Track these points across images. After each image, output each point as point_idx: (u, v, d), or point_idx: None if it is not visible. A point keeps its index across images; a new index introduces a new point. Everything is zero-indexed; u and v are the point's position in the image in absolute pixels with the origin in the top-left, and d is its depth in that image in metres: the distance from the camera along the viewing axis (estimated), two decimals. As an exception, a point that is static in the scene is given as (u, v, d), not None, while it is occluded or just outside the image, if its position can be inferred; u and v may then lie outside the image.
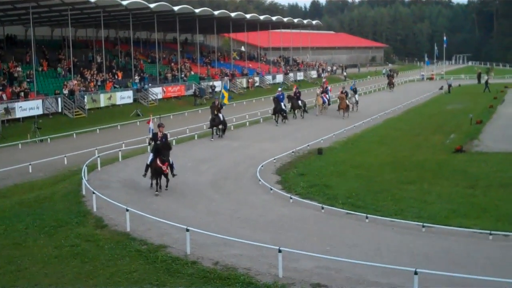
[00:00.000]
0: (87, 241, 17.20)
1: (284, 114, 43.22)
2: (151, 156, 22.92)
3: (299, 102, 46.65)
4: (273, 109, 43.12)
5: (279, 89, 46.88)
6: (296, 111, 46.67)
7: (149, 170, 23.02)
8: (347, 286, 13.55)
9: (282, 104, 42.88)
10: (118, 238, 17.46)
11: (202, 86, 62.18)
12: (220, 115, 36.23)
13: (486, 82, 71.11)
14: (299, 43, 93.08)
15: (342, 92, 47.55)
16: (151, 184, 23.17)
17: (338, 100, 48.23)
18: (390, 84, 75.09)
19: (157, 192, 22.54)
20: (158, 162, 22.16)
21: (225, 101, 37.26)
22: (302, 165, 28.07)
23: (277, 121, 42.74)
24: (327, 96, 50.68)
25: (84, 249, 16.51)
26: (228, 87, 40.49)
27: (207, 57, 77.26)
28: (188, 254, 15.90)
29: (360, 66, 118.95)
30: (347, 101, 47.10)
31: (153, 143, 23.39)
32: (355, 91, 52.42)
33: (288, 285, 13.67)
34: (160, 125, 23.41)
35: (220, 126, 36.69)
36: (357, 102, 51.53)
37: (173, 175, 23.13)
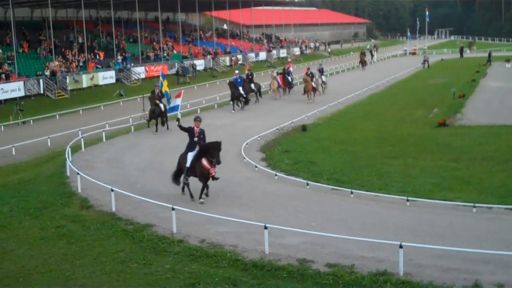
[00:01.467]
0: (73, 222, 17.17)
1: (244, 100, 39.40)
2: (190, 157, 18.99)
3: (252, 85, 42.06)
4: (231, 94, 38.76)
5: (236, 71, 41.63)
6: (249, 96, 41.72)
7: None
8: (333, 261, 13.64)
9: (240, 88, 38.94)
10: (104, 218, 17.44)
11: (185, 64, 61.90)
12: (161, 105, 31.95)
13: (489, 55, 70.71)
14: (281, 20, 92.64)
15: (307, 74, 42.93)
16: (183, 189, 19.58)
17: (303, 83, 43.62)
18: (362, 63, 70.53)
19: (202, 200, 18.61)
20: (205, 163, 18.45)
21: (165, 88, 32.27)
22: (287, 142, 28.11)
23: (233, 108, 38.74)
24: (289, 78, 46.82)
25: (70, 230, 16.48)
26: (164, 75, 34.71)
27: (189, 36, 76.81)
28: (174, 232, 15.92)
29: (343, 42, 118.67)
30: (313, 84, 42.61)
31: (188, 140, 19.34)
32: (321, 71, 48.54)
33: (275, 261, 13.73)
34: (196, 119, 19.69)
35: (159, 119, 31.95)
36: (324, 83, 47.79)
37: (215, 179, 19.08)
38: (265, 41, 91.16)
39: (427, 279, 12.49)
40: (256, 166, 23.06)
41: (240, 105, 39.30)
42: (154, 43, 66.82)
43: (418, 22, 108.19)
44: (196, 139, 19.10)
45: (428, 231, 15.43)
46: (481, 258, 13.29)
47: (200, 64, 65.83)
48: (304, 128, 30.98)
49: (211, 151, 18.40)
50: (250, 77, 42.60)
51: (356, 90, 46.73)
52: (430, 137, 28.04)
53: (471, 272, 12.75)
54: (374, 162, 23.54)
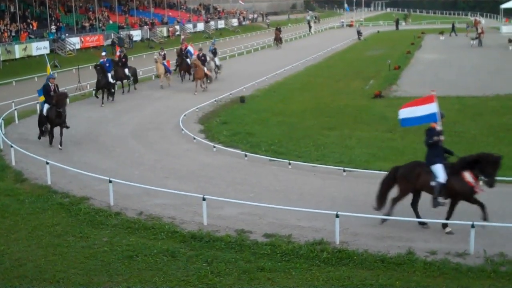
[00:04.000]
0: (7, 196, 16.84)
1: (112, 90, 32.13)
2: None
3: (126, 70, 34.46)
4: (96, 82, 31.60)
5: (103, 53, 33.92)
6: (123, 82, 35.10)
7: None
8: (271, 231, 13.78)
9: (109, 75, 31.50)
10: (39, 191, 17.17)
11: (121, 35, 60.91)
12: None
13: (453, 26, 71.47)
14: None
15: (198, 56, 35.49)
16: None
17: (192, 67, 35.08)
18: (277, 40, 64.13)
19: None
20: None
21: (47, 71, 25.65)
22: (225, 114, 28.09)
23: (102, 101, 31.07)
24: (188, 61, 37.42)
25: (3, 204, 16.15)
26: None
27: (126, 6, 75.49)
28: (111, 205, 15.81)
29: (289, 13, 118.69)
30: (204, 68, 34.74)
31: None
32: (214, 53, 39.95)
33: (213, 232, 13.80)
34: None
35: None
36: (218, 67, 39.64)
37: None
38: (203, 12, 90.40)
39: (362, 247, 12.79)
40: (194, 138, 22.99)
41: (111, 97, 32.04)
42: (90, 13, 65.44)
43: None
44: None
45: (364, 200, 15.72)
46: (415, 226, 13.69)
47: (137, 34, 64.79)
48: (242, 99, 30.99)
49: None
50: (123, 59, 34.66)
51: (294, 62, 46.87)
52: (366, 108, 28.45)
53: (404, 240, 13.12)
54: (311, 133, 23.76)
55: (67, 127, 22.40)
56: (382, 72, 40.54)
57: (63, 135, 22.21)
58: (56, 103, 21.89)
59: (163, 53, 38.19)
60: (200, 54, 35.93)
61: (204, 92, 33.76)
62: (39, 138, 22.88)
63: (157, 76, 37.85)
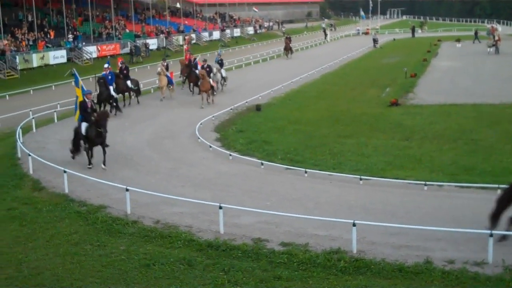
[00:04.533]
0: (25, 204, 16.95)
1: (115, 104, 30.34)
2: None
3: (128, 82, 32.84)
4: (97, 95, 29.62)
5: (106, 65, 31.33)
6: (125, 95, 33.30)
7: None
8: (287, 240, 13.76)
9: (112, 88, 30.04)
10: (57, 200, 17.26)
11: (138, 44, 61.23)
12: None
13: (476, 33, 70.91)
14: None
15: (203, 67, 34.28)
16: None
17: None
18: (287, 50, 59.77)
19: None
20: None
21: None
22: (241, 122, 28.11)
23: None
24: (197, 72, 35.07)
25: (22, 212, 16.27)
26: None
27: (142, 14, 75.87)
28: (128, 214, 15.85)
29: (307, 21, 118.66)
30: (210, 80, 32.95)
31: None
32: (221, 64, 37.87)
33: (230, 241, 13.79)
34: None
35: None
36: (224, 79, 37.60)
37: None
38: (219, 20, 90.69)
39: (379, 256, 12.72)
40: (210, 146, 23.02)
41: (113, 111, 30.04)
42: (106, 21, 65.84)
43: (370, 2, 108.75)
44: None
45: (380, 209, 15.68)
46: (432, 235, 13.57)
47: (153, 43, 65.11)
48: (258, 108, 30.99)
49: None
50: (125, 71, 33.05)
51: (310, 70, 46.86)
52: (383, 116, 28.36)
53: (422, 249, 13.03)
54: (327, 141, 23.72)
55: (107, 146, 20.72)
56: (398, 80, 40.41)
57: (106, 153, 20.64)
58: (97, 122, 20.38)
59: (165, 64, 36.16)
60: (205, 65, 34.39)
61: (213, 104, 32.38)
62: (73, 157, 21.16)
63: (158, 88, 35.95)
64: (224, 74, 37.61)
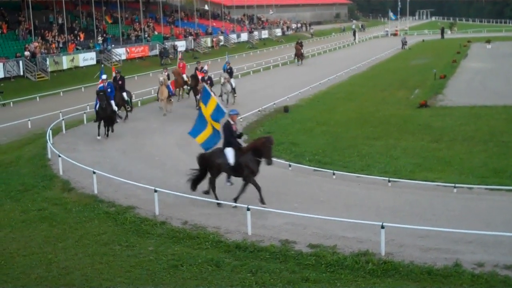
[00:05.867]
0: (55, 205, 17.12)
1: (117, 121, 26.81)
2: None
3: (124, 94, 29.08)
4: (100, 110, 25.40)
5: (104, 76, 27.23)
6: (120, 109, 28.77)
7: None
8: (315, 242, 13.72)
9: (113, 102, 26.17)
10: (86, 200, 17.40)
11: (166, 46, 61.56)
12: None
13: None
14: (263, 1, 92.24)
15: (203, 79, 30.72)
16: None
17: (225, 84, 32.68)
18: (298, 56, 55.08)
19: None
20: None
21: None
22: (269, 124, 28.10)
23: (99, 132, 25.79)
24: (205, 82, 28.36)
25: (51, 212, 16.43)
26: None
27: (170, 17, 76.27)
28: (156, 214, 15.93)
29: (344, 22, 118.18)
30: (223, 89, 31.63)
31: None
32: (230, 72, 34.82)
33: (257, 242, 13.79)
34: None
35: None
36: (233, 90, 33.56)
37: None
38: (246, 22, 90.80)
39: (408, 259, 12.62)
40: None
41: (111, 127, 26.32)
42: (135, 24, 66.30)
43: (399, 3, 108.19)
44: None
45: (409, 211, 15.56)
46: (462, 238, 13.43)
47: (181, 45, 65.39)
48: (286, 109, 30.98)
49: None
50: (120, 82, 29.37)
51: (338, 71, 46.71)
52: (412, 118, 28.16)
53: (451, 252, 12.90)
54: (356, 143, 23.62)
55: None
56: (428, 82, 40.11)
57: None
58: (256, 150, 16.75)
59: (166, 73, 32.88)
60: (206, 77, 31.17)
61: (244, 104, 31.82)
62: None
63: (157, 100, 32.63)
64: (233, 85, 33.59)
